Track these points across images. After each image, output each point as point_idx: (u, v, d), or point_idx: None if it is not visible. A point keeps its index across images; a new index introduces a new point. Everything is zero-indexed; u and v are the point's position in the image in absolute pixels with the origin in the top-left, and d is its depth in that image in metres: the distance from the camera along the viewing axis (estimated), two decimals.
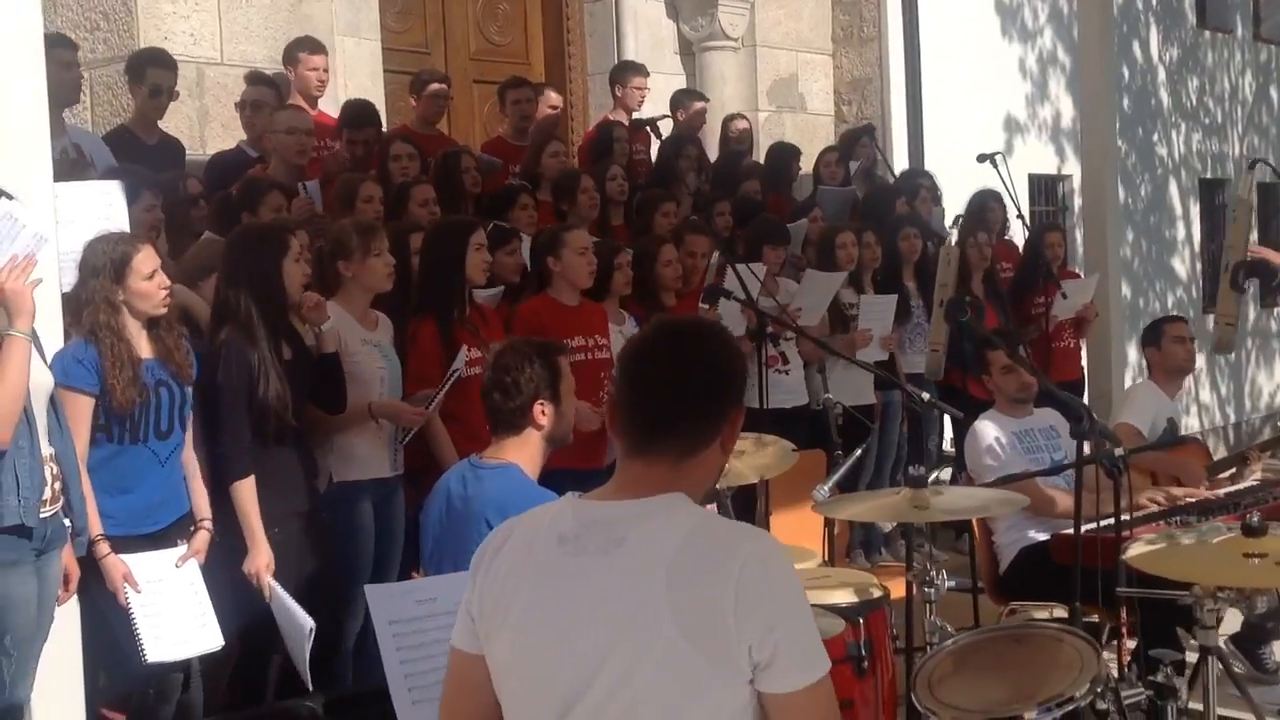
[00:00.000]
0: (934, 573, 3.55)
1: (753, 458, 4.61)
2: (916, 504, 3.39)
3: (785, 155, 9.01)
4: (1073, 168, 13.96)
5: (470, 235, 5.28)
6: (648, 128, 7.74)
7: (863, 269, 7.65)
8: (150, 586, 4.34)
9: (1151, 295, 14.51)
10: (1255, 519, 2.96)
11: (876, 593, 3.86)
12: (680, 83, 10.07)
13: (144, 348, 4.29)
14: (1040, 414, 5.69)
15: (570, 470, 4.69)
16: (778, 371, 7.02)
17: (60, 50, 5.88)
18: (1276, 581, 2.92)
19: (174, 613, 4.38)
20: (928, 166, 11.28)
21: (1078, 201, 14.15)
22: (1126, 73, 14.54)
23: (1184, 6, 15.24)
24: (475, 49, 9.63)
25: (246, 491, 4.48)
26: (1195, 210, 15.31)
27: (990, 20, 12.76)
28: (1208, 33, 15.57)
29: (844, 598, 3.86)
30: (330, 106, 7.83)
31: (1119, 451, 3.73)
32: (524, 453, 3.85)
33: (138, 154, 6.37)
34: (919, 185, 8.89)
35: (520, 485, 3.81)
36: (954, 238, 3.16)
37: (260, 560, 4.47)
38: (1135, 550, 3.07)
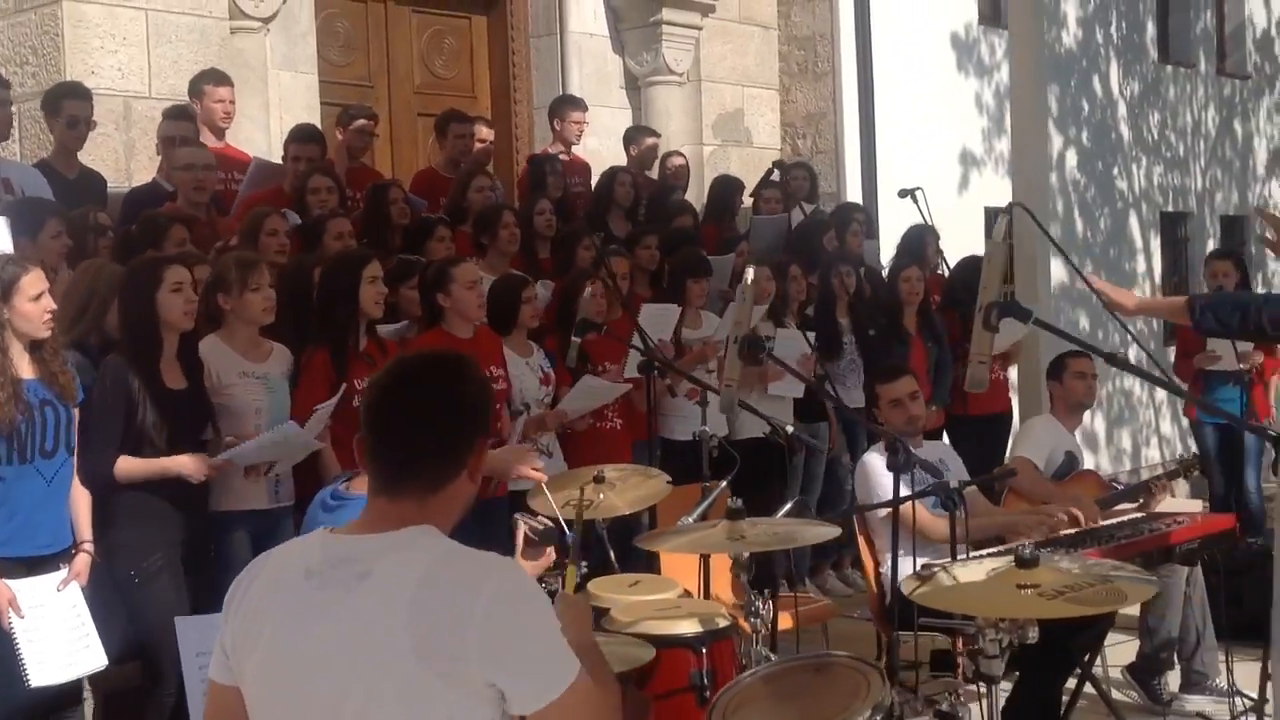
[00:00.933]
0: (759, 603, 3.61)
1: (632, 490, 4.67)
2: (732, 536, 3.45)
3: (728, 188, 9.10)
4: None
5: (363, 268, 5.35)
6: None
7: (789, 301, 7.73)
8: (33, 611, 4.41)
9: (1111, 328, 14.56)
10: (1027, 550, 3.01)
11: (722, 622, 3.92)
12: (626, 117, 10.18)
13: (25, 369, 4.38)
14: (930, 447, 5.76)
15: None
16: (697, 403, 7.10)
17: None
18: (1044, 612, 2.96)
19: (57, 636, 4.45)
20: (881, 200, 11.42)
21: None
22: (1086, 106, 14.65)
23: (1145, 41, 15.36)
24: (420, 82, 9.73)
25: (128, 463, 4.59)
26: (1156, 243, 15.39)
27: (946, 55, 12.88)
28: (1170, 67, 15.68)
29: (689, 628, 3.92)
30: (262, 139, 7.95)
31: (954, 484, 3.79)
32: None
33: (58, 188, 6.44)
34: (850, 218, 8.96)
35: None
36: (1002, 233, 3.23)
37: (191, 465, 4.61)
38: (912, 586, 3.12)
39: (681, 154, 9.59)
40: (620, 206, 8.38)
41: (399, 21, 9.58)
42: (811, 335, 7.45)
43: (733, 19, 10.65)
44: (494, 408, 2.50)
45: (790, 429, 4.75)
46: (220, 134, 7.43)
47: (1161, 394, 14.85)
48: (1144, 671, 6.01)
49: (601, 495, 4.57)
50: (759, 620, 3.62)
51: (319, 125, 8.42)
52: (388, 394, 2.37)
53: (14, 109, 6.86)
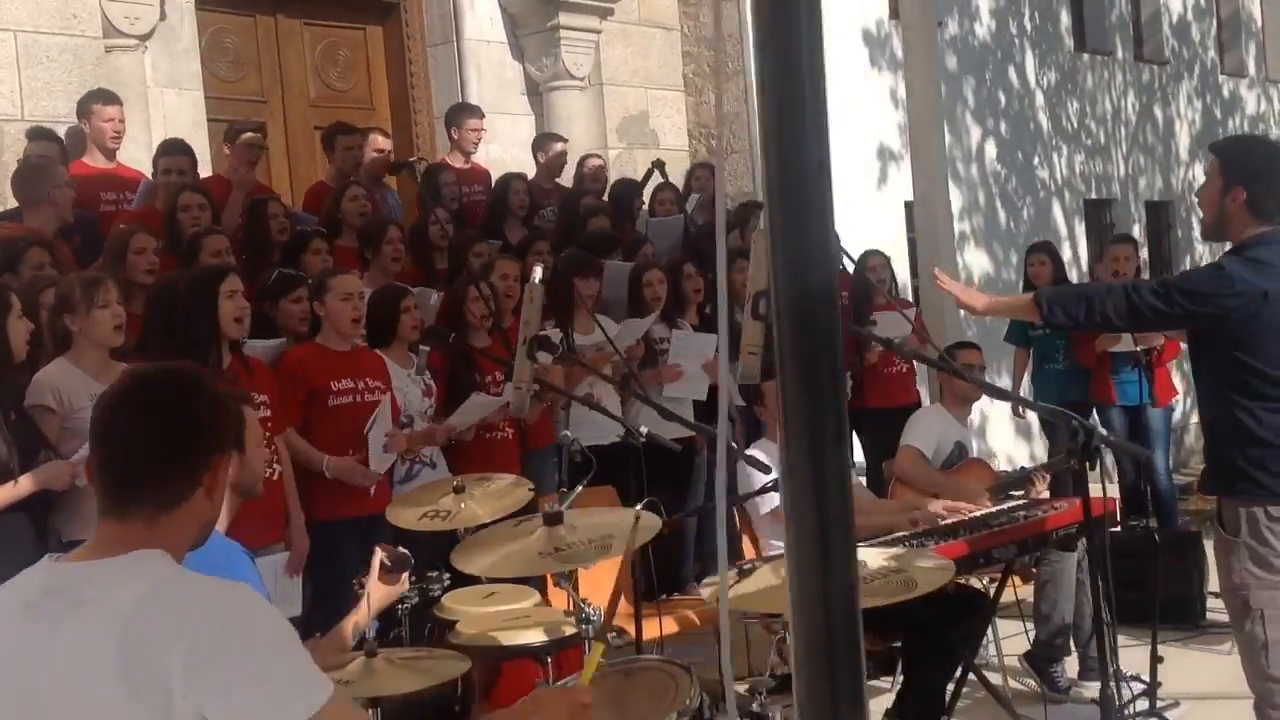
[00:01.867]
0: (590, 610, 3.51)
1: (494, 499, 4.56)
2: (555, 544, 3.34)
3: (627, 190, 9.02)
4: (951, 194, 14.08)
5: (220, 283, 5.22)
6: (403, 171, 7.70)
7: (685, 302, 7.65)
8: None
9: None
10: None
11: (569, 631, 3.82)
12: (529, 123, 10.09)
13: None
14: None
15: None
16: (592, 409, 7.01)
17: None
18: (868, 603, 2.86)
19: None
20: None
21: (957, 227, 14.32)
22: (1004, 98, 14.68)
23: (1060, 30, 15.40)
24: (315, 95, 9.60)
25: None
26: (1081, 230, 15.43)
27: (858, 52, 12.86)
28: (1086, 55, 15.73)
29: (534, 637, 3.83)
30: (146, 159, 7.78)
31: (773, 477, 3.72)
32: None
33: None
34: (750, 216, 8.89)
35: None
36: (760, 226, 3.17)
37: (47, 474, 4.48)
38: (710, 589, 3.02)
39: (599, 155, 9.51)
40: (515, 214, 8.27)
41: (290, 35, 9.45)
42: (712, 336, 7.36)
43: (633, 21, 10.59)
44: (238, 425, 2.37)
45: (644, 430, 4.62)
46: (110, 154, 7.28)
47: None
48: (1040, 659, 5.96)
49: (463, 505, 4.48)
50: (591, 627, 3.51)
51: (207, 142, 8.30)
52: (115, 408, 2.24)
53: None
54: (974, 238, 14.36)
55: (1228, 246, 4.22)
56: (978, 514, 5.34)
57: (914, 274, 12.31)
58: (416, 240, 7.52)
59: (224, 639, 2.05)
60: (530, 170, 9.09)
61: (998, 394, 5.35)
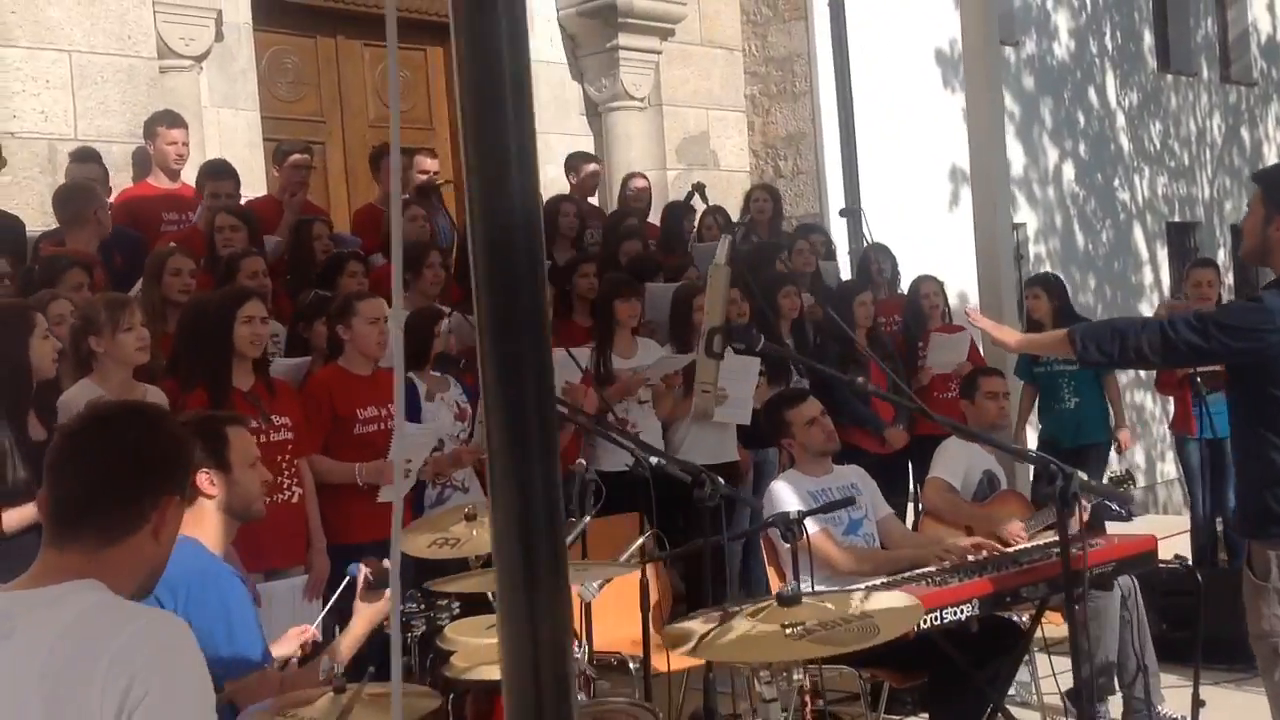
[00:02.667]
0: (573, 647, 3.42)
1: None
2: None
3: (676, 214, 8.94)
4: (1026, 215, 13.84)
5: (239, 306, 5.22)
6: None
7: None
8: None
9: None
10: (790, 589, 2.81)
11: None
12: (587, 144, 10.05)
13: None
14: (841, 471, 5.56)
15: None
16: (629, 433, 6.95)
17: None
18: (807, 653, 2.76)
19: None
20: (866, 218, 11.24)
21: (1033, 250, 14.07)
22: (1083, 118, 14.42)
23: (1143, 50, 15.09)
24: (374, 116, 9.64)
25: (12, 515, 4.45)
26: (1163, 254, 15.09)
27: (930, 72, 12.67)
28: (1170, 76, 15.40)
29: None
30: None
31: (794, 513, 3.60)
32: (202, 525, 3.78)
33: None
34: (803, 239, 8.78)
35: (193, 560, 3.73)
36: (724, 255, 3.03)
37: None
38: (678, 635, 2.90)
39: (644, 176, 9.44)
40: (565, 235, 8.22)
41: (350, 55, 9.50)
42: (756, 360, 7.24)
43: (694, 42, 10.52)
44: (187, 463, 2.33)
45: (655, 460, 4.51)
46: (174, 175, 7.37)
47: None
48: (1084, 698, 5.74)
49: (474, 532, 4.41)
50: (577, 662, 3.42)
51: (263, 162, 8.36)
52: (69, 440, 2.26)
53: None
54: (1050, 260, 14.09)
55: None
56: (1009, 551, 5.16)
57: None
58: (460, 261, 7.52)
59: (143, 663, 2.03)
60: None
61: (967, 435, 5.16)
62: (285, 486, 5.30)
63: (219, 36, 8.16)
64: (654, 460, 4.32)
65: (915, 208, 11.69)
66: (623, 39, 9.92)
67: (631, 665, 5.41)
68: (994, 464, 6.07)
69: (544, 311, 1.15)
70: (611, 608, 5.14)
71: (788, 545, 3.69)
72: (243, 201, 7.65)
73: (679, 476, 4.45)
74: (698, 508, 3.50)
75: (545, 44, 9.97)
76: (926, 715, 5.44)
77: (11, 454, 4.45)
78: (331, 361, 5.69)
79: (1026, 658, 5.64)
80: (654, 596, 5.63)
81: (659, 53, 10.24)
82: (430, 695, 3.15)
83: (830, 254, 9.45)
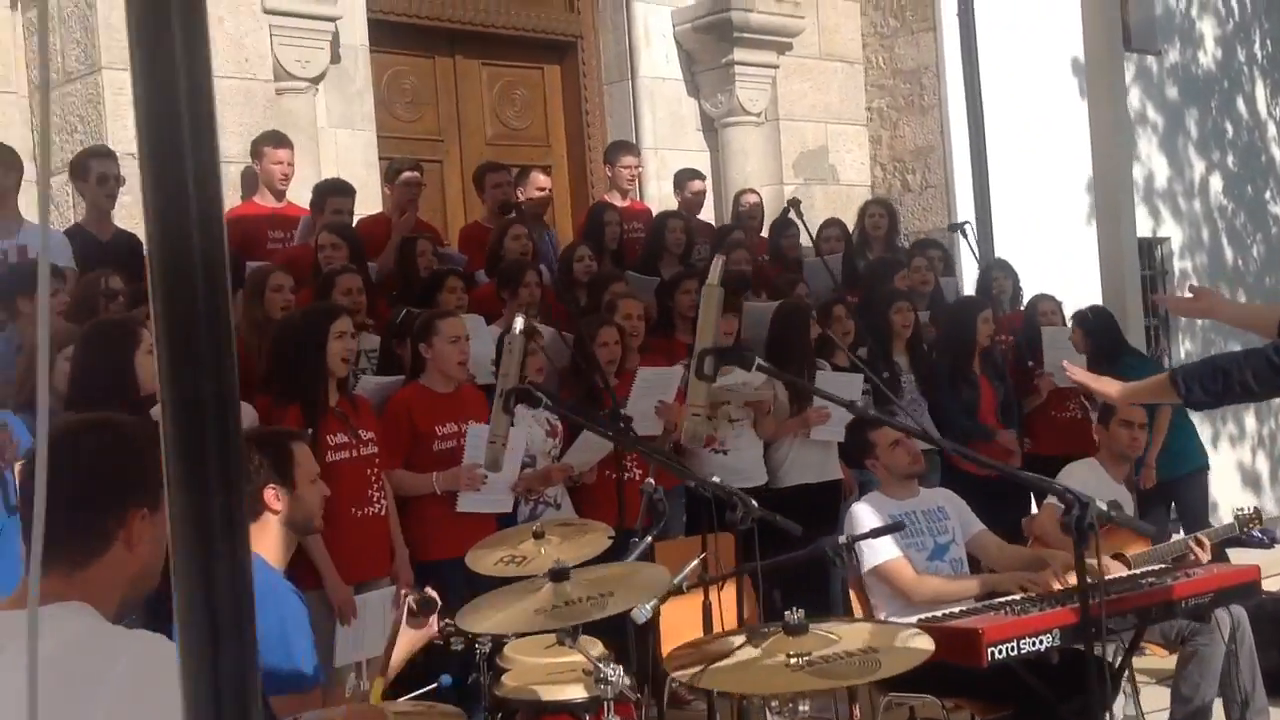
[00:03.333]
0: (608, 670, 3.39)
1: (573, 545, 4.48)
2: (557, 602, 3.24)
3: (783, 229, 8.87)
4: (1170, 230, 13.41)
5: (331, 323, 5.31)
6: None
7: (833, 345, 7.46)
8: None
9: None
10: (796, 618, 2.73)
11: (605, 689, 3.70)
12: (703, 160, 10.02)
13: None
14: (929, 494, 5.43)
15: None
16: (715, 451, 6.88)
17: None
18: (804, 685, 2.68)
19: None
20: (997, 232, 11.02)
21: (1178, 265, 13.61)
22: (1230, 128, 13.92)
23: None
24: (492, 134, 9.74)
25: None
26: None
27: (1067, 81, 12.35)
28: None
29: (575, 693, 3.74)
30: None
31: (841, 539, 3.53)
32: (264, 540, 3.85)
33: (91, 250, 6.61)
34: (922, 255, 8.62)
35: (253, 573, 3.80)
36: (717, 276, 2.98)
37: None
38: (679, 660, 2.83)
39: (755, 191, 9.38)
40: (672, 252, 8.20)
41: (468, 74, 9.63)
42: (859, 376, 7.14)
43: (813, 55, 10.43)
44: (155, 475, 2.33)
45: (716, 479, 4.43)
46: (279, 195, 7.55)
47: None
48: None
49: (542, 550, 4.41)
50: (609, 687, 3.39)
51: (379, 182, 8.50)
52: (33, 465, 2.27)
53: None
54: (1197, 275, 13.62)
55: None
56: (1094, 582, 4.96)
57: (1147, 313, 11.79)
58: (563, 277, 7.56)
59: (133, 702, 2.04)
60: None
61: (970, 459, 4.95)
62: (373, 500, 5.38)
63: (335, 58, 8.33)
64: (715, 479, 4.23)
65: (1050, 221, 11.42)
66: (738, 54, 9.87)
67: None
68: (1123, 494, 5.92)
69: (226, 349, 1.11)
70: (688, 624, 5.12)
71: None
72: (356, 220, 7.82)
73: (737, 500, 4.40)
74: (730, 530, 3.44)
75: (661, 61, 9.98)
76: None
77: None
78: (414, 379, 5.76)
79: (1130, 691, 5.46)
80: (746, 616, 5.63)
81: (776, 67, 10.17)
82: (458, 716, 3.14)
83: (950, 270, 9.28)
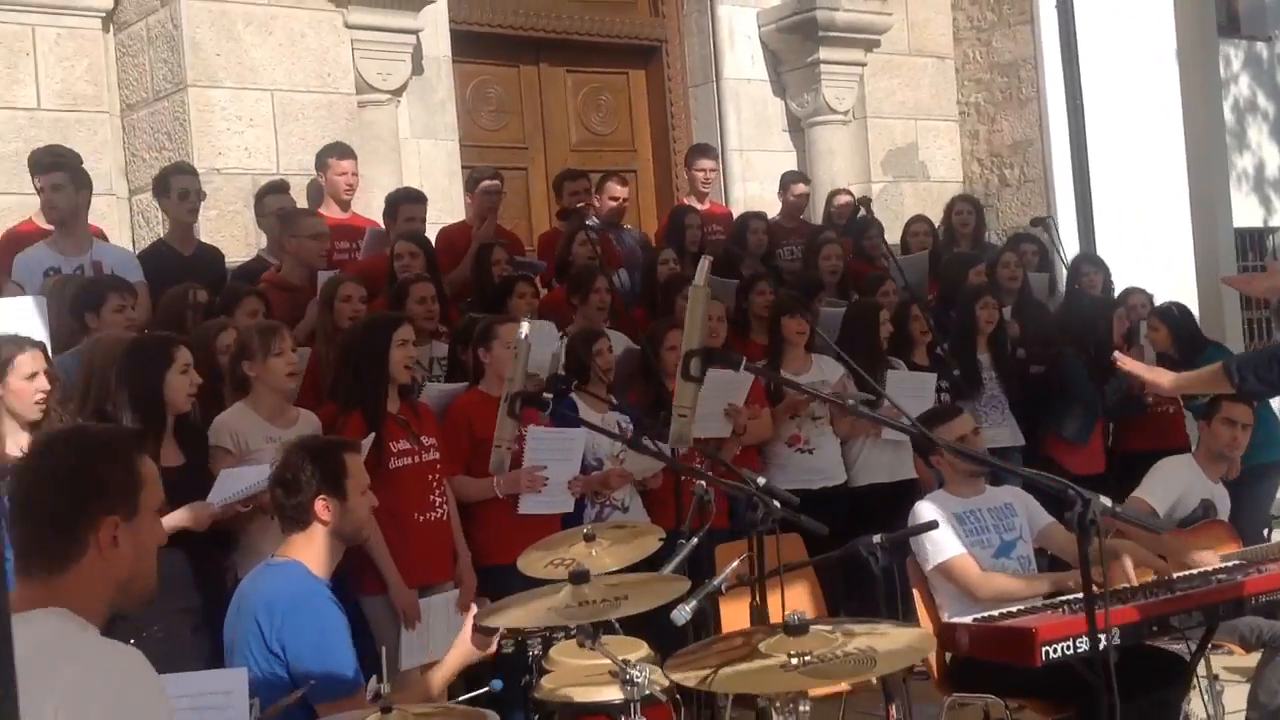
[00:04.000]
0: (634, 671, 3.38)
1: (623, 548, 4.48)
2: (578, 600, 3.25)
3: (863, 227, 8.78)
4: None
5: (394, 331, 5.37)
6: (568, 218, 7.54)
7: (912, 343, 7.38)
8: None
9: None
10: (797, 618, 2.69)
11: (651, 691, 3.69)
12: (790, 160, 9.96)
13: (15, 448, 4.56)
14: (995, 492, 5.32)
15: None
16: (800, 450, 6.86)
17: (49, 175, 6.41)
18: (798, 685, 2.63)
19: None
20: (1099, 226, 10.80)
21: None
22: None
23: None
24: (576, 140, 9.80)
25: None
26: None
27: (1168, 71, 12.03)
28: None
29: (612, 694, 3.73)
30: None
31: (876, 539, 3.48)
32: (310, 549, 3.91)
33: (175, 265, 6.78)
34: (1014, 250, 8.46)
35: (293, 583, 3.86)
36: (703, 276, 2.95)
37: (185, 515, 4.69)
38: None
39: (849, 191, 9.30)
40: (753, 253, 8.17)
41: (553, 82, 9.70)
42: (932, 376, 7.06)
43: (902, 52, 10.31)
44: (129, 484, 2.39)
45: (761, 480, 4.39)
46: (345, 205, 7.66)
47: None
48: None
49: (592, 553, 4.42)
50: (636, 688, 3.38)
51: (462, 191, 8.59)
52: (13, 476, 2.36)
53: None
54: None
55: None
56: (1158, 579, 4.82)
57: (1245, 306, 11.42)
58: (647, 281, 7.58)
59: (73, 709, 2.08)
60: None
61: (968, 459, 4.79)
62: (436, 505, 5.43)
63: (418, 70, 8.44)
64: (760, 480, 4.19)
65: (1151, 213, 11.14)
66: (824, 53, 9.81)
67: None
68: (1217, 494, 5.76)
69: None
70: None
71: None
72: (438, 228, 7.92)
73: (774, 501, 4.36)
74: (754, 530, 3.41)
75: (747, 61, 9.95)
76: None
77: None
78: (475, 386, 5.81)
79: (1208, 689, 5.29)
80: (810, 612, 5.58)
81: (863, 64, 10.08)
82: (480, 716, 3.16)
83: (1045, 265, 9.09)
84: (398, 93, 8.31)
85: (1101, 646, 2.83)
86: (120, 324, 5.70)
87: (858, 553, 3.51)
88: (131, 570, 2.37)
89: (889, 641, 2.62)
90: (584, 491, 5.90)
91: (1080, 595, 4.67)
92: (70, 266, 6.42)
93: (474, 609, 3.97)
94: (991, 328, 7.59)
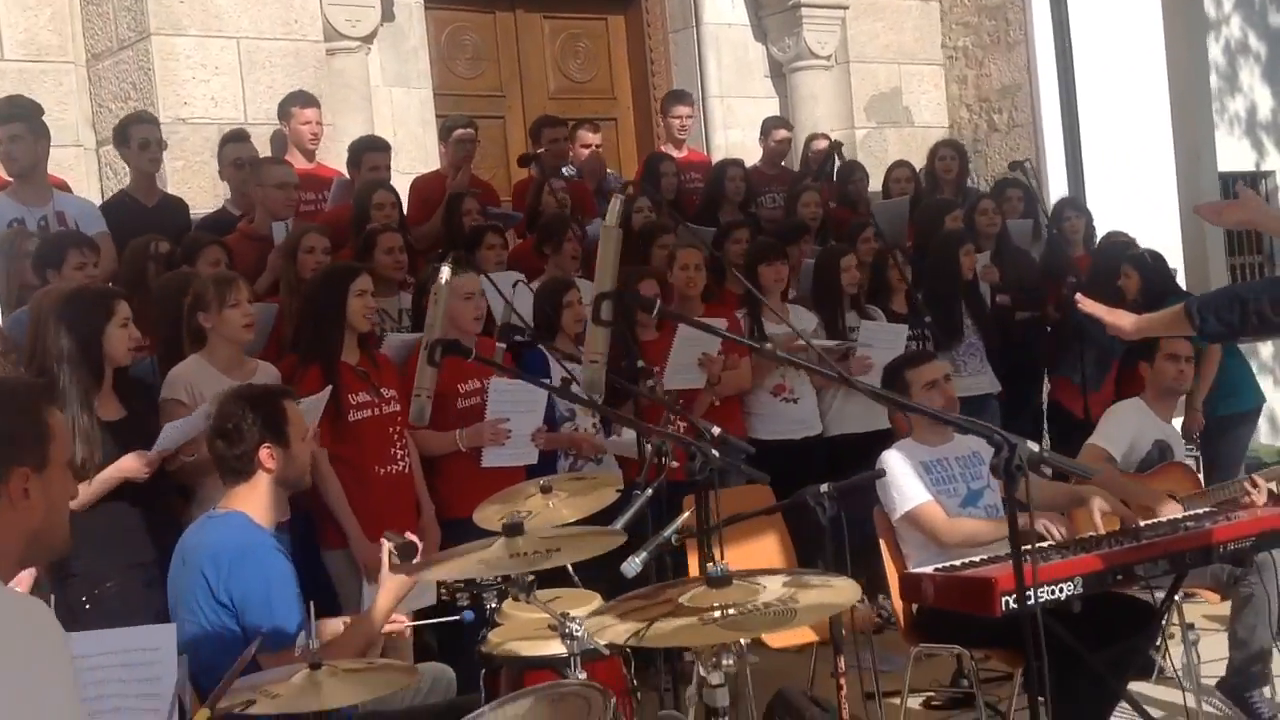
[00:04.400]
0: (573, 625, 3.31)
1: (581, 500, 4.40)
2: (509, 553, 3.17)
3: (851, 172, 8.66)
4: (1275, 162, 12.83)
5: (351, 281, 5.28)
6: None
7: (891, 290, 7.28)
8: None
9: None
10: (720, 569, 2.61)
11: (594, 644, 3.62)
12: (772, 106, 9.83)
13: None
14: (964, 440, 5.24)
15: None
16: (785, 400, 6.78)
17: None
18: (717, 638, 2.55)
19: None
20: (1088, 171, 10.66)
21: None
22: None
23: None
24: (555, 88, 9.66)
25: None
26: None
27: (1156, 12, 11.84)
28: None
29: (558, 648, 3.66)
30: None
31: (823, 488, 3.39)
32: (253, 499, 3.87)
33: (138, 217, 6.67)
34: (996, 196, 8.34)
35: (237, 533, 3.82)
36: (615, 217, 2.82)
37: (129, 465, 4.61)
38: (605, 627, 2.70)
39: (826, 136, 9.16)
40: (731, 201, 8.05)
41: (530, 28, 9.54)
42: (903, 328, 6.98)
43: None
44: (38, 435, 2.33)
45: (715, 431, 4.29)
46: (310, 155, 7.52)
47: None
48: (1236, 688, 5.29)
49: (550, 505, 4.36)
50: (575, 642, 3.31)
51: (436, 140, 8.47)
52: None
53: None
54: None
55: None
56: (1127, 527, 4.73)
57: (1230, 251, 11.28)
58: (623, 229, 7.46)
59: None
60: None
61: (890, 402, 4.68)
62: (397, 458, 5.35)
63: (389, 16, 8.31)
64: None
65: (1138, 158, 10.99)
66: None
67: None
68: (1170, 434, 5.69)
69: None
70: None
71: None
72: (412, 178, 7.80)
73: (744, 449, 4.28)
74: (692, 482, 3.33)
75: (727, 6, 9.80)
76: None
77: (75, 433, 4.56)
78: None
79: (1187, 638, 5.23)
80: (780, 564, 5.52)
81: (845, 8, 9.91)
82: (409, 671, 3.10)
83: (1030, 212, 8.95)
84: (368, 39, 8.17)
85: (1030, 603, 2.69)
86: (81, 281, 5.60)
87: (805, 502, 3.43)
88: (43, 522, 2.32)
89: (814, 594, 2.54)
90: (550, 448, 5.82)
91: (1044, 544, 4.62)
92: (33, 217, 6.31)
93: (384, 540, 3.89)
94: (969, 276, 7.48)
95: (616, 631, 2.56)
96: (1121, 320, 4.23)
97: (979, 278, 7.58)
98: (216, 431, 3.88)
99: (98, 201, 7.07)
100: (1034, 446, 2.50)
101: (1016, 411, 7.70)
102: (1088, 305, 4.36)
